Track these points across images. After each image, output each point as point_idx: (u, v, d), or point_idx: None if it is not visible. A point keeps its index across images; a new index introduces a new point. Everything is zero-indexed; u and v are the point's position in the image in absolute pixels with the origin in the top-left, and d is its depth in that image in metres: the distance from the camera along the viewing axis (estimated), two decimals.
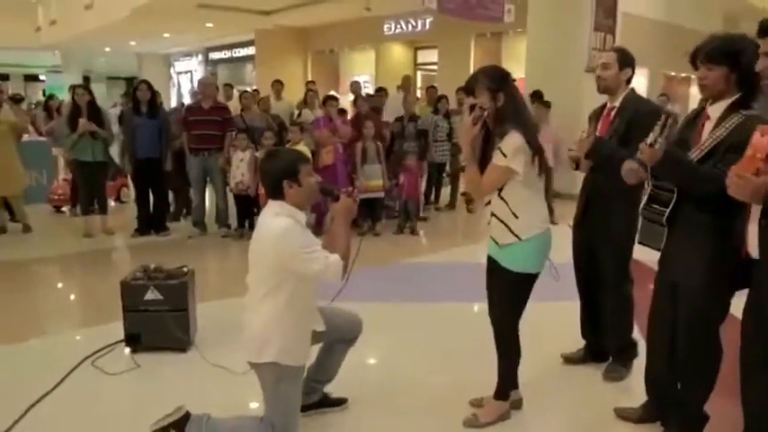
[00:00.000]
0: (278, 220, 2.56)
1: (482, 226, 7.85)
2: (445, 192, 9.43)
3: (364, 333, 4.17)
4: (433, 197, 9.39)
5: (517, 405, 3.07)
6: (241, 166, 6.97)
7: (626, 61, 3.26)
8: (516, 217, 2.74)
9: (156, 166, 7.19)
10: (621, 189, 3.19)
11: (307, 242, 2.57)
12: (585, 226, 3.43)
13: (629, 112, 3.21)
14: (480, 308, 4.81)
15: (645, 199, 2.75)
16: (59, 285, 5.73)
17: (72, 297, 5.32)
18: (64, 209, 8.60)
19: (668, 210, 2.61)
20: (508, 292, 2.87)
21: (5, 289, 5.40)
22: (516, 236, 2.75)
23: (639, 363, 3.46)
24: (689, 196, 2.54)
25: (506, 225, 2.75)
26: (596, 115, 3.46)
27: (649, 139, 2.47)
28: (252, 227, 7.36)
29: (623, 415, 3.02)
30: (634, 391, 3.27)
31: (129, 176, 8.23)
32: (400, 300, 5.01)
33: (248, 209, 7.35)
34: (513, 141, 2.66)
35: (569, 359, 3.66)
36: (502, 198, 2.76)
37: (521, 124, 2.69)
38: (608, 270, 3.36)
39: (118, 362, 3.66)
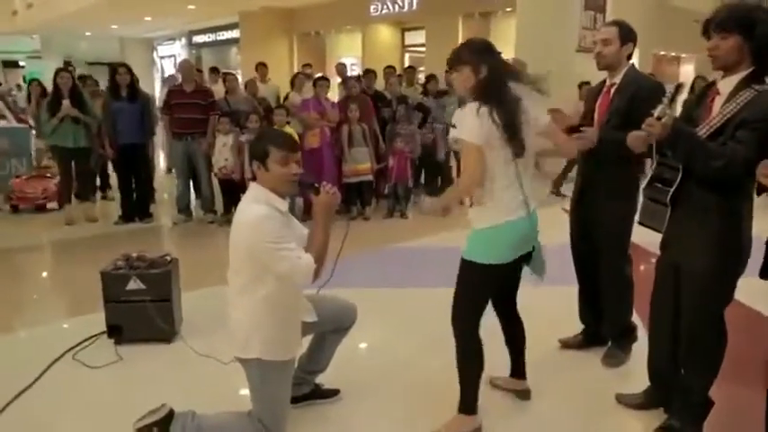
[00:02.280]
0: (254, 208, 2.40)
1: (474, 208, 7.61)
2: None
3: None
4: (423, 179, 9.26)
5: (525, 396, 2.97)
6: (224, 150, 6.81)
7: (627, 35, 3.12)
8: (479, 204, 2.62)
9: (139, 151, 7.01)
10: (620, 169, 3.10)
11: (279, 236, 2.35)
12: (583, 208, 3.32)
13: (630, 88, 3.07)
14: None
15: (648, 177, 2.64)
16: (40, 275, 5.56)
17: (53, 287, 5.16)
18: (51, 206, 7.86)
19: (672, 189, 2.50)
20: (463, 281, 2.69)
21: None
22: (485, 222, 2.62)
23: (638, 347, 3.40)
24: (695, 175, 2.43)
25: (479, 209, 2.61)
26: (594, 94, 3.34)
27: (657, 112, 2.35)
28: None
29: (624, 401, 2.94)
30: (634, 376, 3.19)
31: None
32: (391, 285, 4.91)
33: (234, 194, 7.19)
34: (462, 112, 2.50)
35: (567, 344, 3.57)
36: None
37: (493, 98, 2.45)
38: (607, 252, 3.26)
39: (100, 354, 3.52)
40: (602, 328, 3.48)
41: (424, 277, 5.14)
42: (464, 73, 2.54)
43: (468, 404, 2.67)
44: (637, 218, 2.81)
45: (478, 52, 2.53)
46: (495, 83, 2.47)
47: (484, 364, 2.66)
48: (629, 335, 3.44)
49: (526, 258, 2.67)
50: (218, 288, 4.81)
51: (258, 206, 2.40)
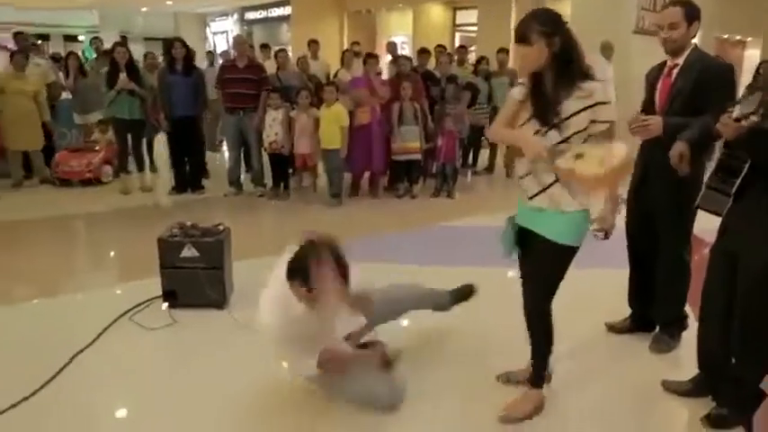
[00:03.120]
0: (268, 315, 2.54)
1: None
2: (483, 155, 9.24)
3: None
4: (471, 160, 9.21)
5: (548, 379, 2.94)
6: (274, 125, 6.89)
7: (693, 14, 2.98)
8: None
9: (192, 124, 7.16)
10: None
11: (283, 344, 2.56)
12: (644, 193, 3.20)
13: (695, 70, 2.95)
14: (516, 274, 4.75)
15: (714, 167, 2.57)
16: (97, 242, 5.77)
17: (110, 253, 5.35)
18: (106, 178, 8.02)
19: (738, 181, 2.42)
20: (553, 266, 2.58)
21: (44, 244, 5.47)
22: (580, 203, 2.46)
23: (687, 335, 3.34)
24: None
25: (570, 192, 2.44)
26: (653, 76, 3.23)
27: (735, 113, 2.27)
28: (287, 187, 7.33)
29: (671, 388, 2.90)
30: (682, 363, 3.14)
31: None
32: (436, 263, 4.92)
33: (283, 168, 7.31)
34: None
35: (614, 328, 3.53)
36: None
37: (576, 72, 2.37)
38: (668, 239, 3.17)
39: (155, 317, 3.67)
40: (652, 313, 3.43)
41: (470, 256, 5.13)
42: (537, 47, 2.36)
43: (541, 379, 2.71)
44: (696, 202, 2.75)
45: (552, 23, 2.38)
46: (572, 55, 2.38)
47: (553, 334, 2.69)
48: (680, 322, 3.37)
49: None
50: (267, 259, 4.95)
51: (272, 309, 2.53)
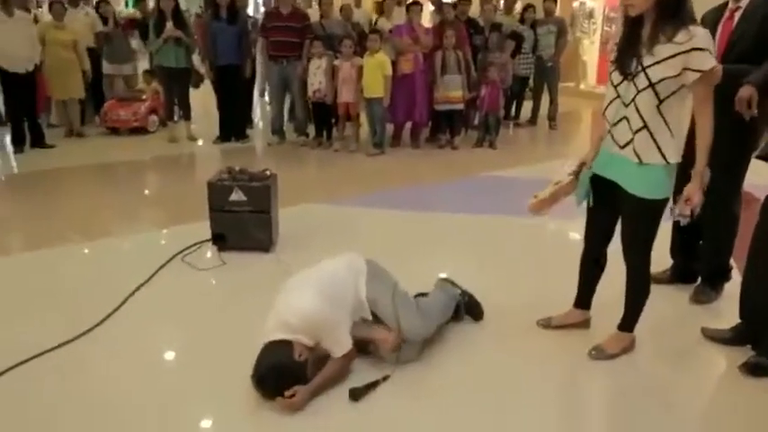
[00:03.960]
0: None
1: (565, 143, 7.56)
2: (526, 107, 9.09)
3: (433, 242, 4.19)
4: (513, 112, 9.08)
5: (585, 324, 3.00)
6: (318, 73, 6.90)
7: None
8: (672, 136, 2.40)
9: (237, 72, 7.22)
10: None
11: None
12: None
13: (759, 14, 2.83)
14: (554, 224, 4.76)
15: None
16: (147, 187, 5.97)
17: (160, 198, 5.54)
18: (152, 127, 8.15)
19: None
20: (643, 225, 2.55)
21: (96, 189, 5.70)
22: (664, 157, 2.40)
23: (729, 287, 3.34)
24: None
25: (656, 143, 2.39)
26: (711, 19, 3.10)
27: None
28: (329, 136, 7.38)
29: (711, 335, 2.91)
30: (723, 315, 3.14)
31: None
32: (476, 211, 4.96)
33: (326, 117, 7.35)
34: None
35: (655, 279, 3.51)
36: (660, 110, 2.36)
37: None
38: (718, 188, 3.11)
39: (205, 259, 3.82)
40: (695, 264, 3.42)
41: (510, 206, 5.14)
42: None
43: (634, 324, 2.76)
44: (755, 153, 2.70)
45: None
46: None
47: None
48: (723, 274, 3.35)
49: None
50: (310, 206, 5.08)
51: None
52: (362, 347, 2.61)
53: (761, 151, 2.63)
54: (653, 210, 2.47)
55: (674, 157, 2.41)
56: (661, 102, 2.35)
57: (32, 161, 6.48)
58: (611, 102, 2.50)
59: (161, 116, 8.13)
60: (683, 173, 2.48)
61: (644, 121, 2.38)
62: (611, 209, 2.64)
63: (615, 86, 2.46)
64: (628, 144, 2.44)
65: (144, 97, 8.11)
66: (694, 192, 2.39)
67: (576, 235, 4.37)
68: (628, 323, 2.75)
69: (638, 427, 2.28)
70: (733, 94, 2.73)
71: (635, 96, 2.38)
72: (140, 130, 7.90)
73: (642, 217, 2.51)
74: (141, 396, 2.43)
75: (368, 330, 2.59)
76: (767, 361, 2.63)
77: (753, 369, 2.62)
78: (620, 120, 2.45)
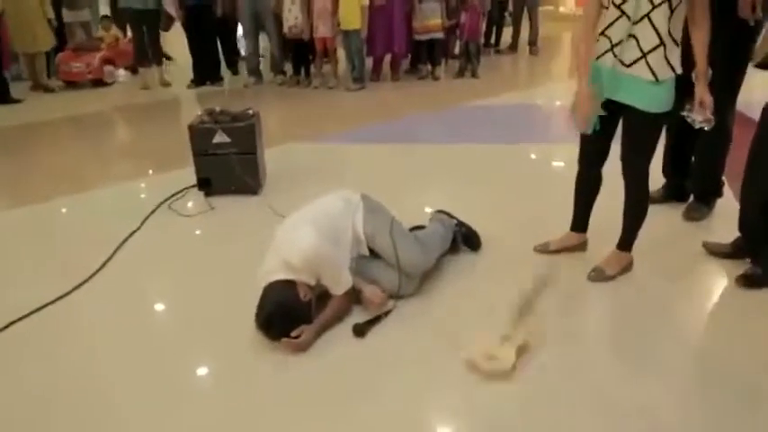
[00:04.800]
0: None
1: (547, 68, 7.45)
2: (506, 33, 8.91)
3: (423, 174, 4.14)
4: (493, 39, 8.90)
5: (582, 247, 3.00)
6: (293, 8, 6.65)
7: None
8: (678, 45, 2.35)
9: (207, 12, 6.93)
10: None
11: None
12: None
13: None
14: (543, 149, 4.73)
15: None
16: (127, 135, 5.80)
17: (141, 146, 5.38)
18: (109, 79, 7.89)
19: None
20: (651, 136, 2.52)
21: (75, 141, 5.53)
22: (672, 68, 2.36)
23: (721, 203, 3.35)
24: None
25: (667, 58, 2.34)
26: None
27: None
28: (308, 74, 7.19)
29: (712, 249, 2.92)
30: (715, 231, 3.16)
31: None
32: (463, 141, 4.90)
33: (303, 54, 7.13)
34: None
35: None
36: (669, 22, 2.30)
37: None
38: (714, 102, 3.06)
39: (193, 205, 3.74)
40: (688, 182, 3.41)
41: (494, 134, 5.08)
42: None
43: (632, 243, 2.75)
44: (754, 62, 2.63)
45: None
46: None
47: None
48: (715, 191, 3.36)
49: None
50: (294, 145, 4.98)
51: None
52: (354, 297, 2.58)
53: (761, 59, 2.56)
54: (662, 120, 2.45)
55: (680, 66, 2.37)
56: (672, 13, 2.28)
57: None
58: (613, 22, 2.40)
59: (129, 63, 7.85)
60: (683, 83, 2.43)
61: (660, 38, 2.31)
62: (608, 127, 2.60)
63: (618, 5, 2.35)
64: (636, 62, 2.37)
65: (102, 46, 7.77)
66: (705, 93, 2.37)
67: (565, 159, 4.35)
68: (627, 242, 2.75)
69: (640, 345, 2.30)
70: (728, 3, 2.65)
71: (649, 12, 2.29)
72: (98, 83, 7.59)
73: (651, 128, 2.49)
74: (141, 345, 2.40)
75: (357, 282, 2.55)
76: (762, 271, 2.65)
77: (749, 281, 2.65)
78: (627, 38, 2.37)
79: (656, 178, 3.47)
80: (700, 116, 2.39)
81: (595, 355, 2.25)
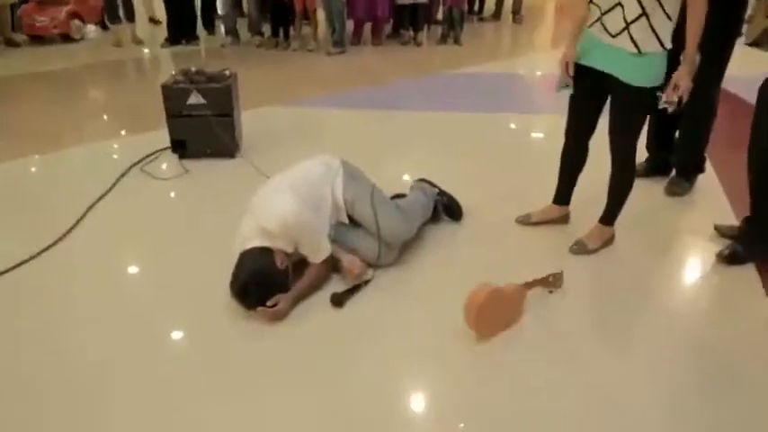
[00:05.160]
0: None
1: (531, 37, 7.36)
2: (489, 1, 8.77)
3: (403, 141, 4.06)
4: (476, 6, 8.75)
5: (564, 220, 2.96)
6: None
7: None
8: (669, 19, 2.27)
9: None
10: None
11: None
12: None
13: None
14: (525, 120, 4.68)
15: None
16: (98, 94, 5.58)
17: (112, 105, 5.19)
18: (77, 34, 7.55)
19: None
20: (636, 112, 2.46)
21: (40, 100, 5.31)
22: (662, 44, 2.28)
23: (702, 179, 3.35)
24: None
25: (654, 30, 2.26)
26: None
27: None
28: (286, 36, 7.00)
29: (723, 232, 2.85)
30: (697, 206, 3.16)
31: None
32: (444, 109, 4.82)
33: (282, 15, 6.93)
34: None
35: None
36: None
37: None
38: (700, 77, 3.01)
39: (167, 168, 3.62)
40: (670, 157, 3.38)
41: (475, 103, 5.01)
42: None
43: (615, 217, 2.71)
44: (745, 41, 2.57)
45: None
46: None
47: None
48: (697, 166, 3.34)
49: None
50: (271, 108, 4.85)
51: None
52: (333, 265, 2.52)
53: (750, 38, 2.50)
54: (649, 96, 2.37)
55: (669, 41, 2.29)
56: None
57: None
58: None
59: (99, 19, 7.55)
60: (672, 60, 2.37)
61: (642, 8, 2.23)
62: (597, 100, 2.54)
63: None
64: (620, 33, 2.30)
65: (69, 0, 7.43)
66: (682, 77, 2.29)
67: (547, 129, 4.31)
68: (610, 216, 2.72)
69: (621, 318, 2.29)
70: None
71: None
72: (67, 38, 7.29)
73: (638, 105, 2.42)
74: (111, 312, 2.31)
75: (336, 250, 2.48)
76: (743, 250, 2.65)
77: (729, 258, 2.64)
78: (614, 7, 2.30)
79: (641, 152, 3.45)
80: (666, 96, 2.31)
81: (576, 327, 2.23)
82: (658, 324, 2.25)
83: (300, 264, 2.40)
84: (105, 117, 4.82)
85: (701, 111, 3.10)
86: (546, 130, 4.32)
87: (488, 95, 5.24)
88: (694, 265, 2.69)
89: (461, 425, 1.77)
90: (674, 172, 3.41)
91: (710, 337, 2.18)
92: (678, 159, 3.35)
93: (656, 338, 2.17)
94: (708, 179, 3.38)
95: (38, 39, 7.26)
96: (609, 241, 2.77)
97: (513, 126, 4.51)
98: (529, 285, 2.30)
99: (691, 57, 2.28)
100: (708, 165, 3.38)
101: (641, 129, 2.52)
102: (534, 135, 4.39)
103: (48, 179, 3.57)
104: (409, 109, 4.89)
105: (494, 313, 2.14)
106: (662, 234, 2.93)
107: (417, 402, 1.88)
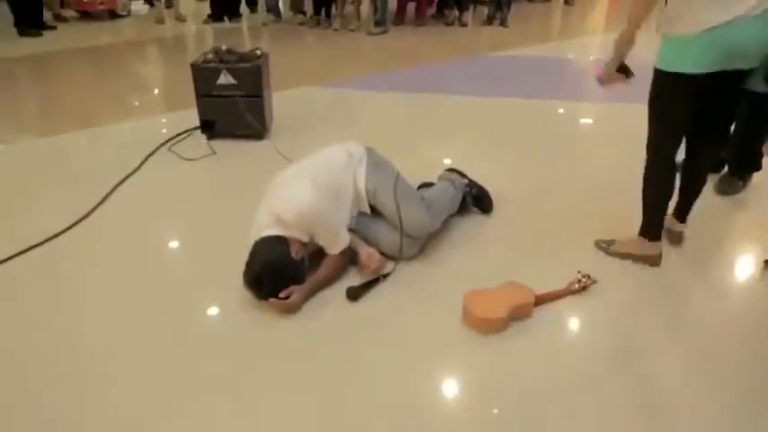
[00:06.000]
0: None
1: (582, 19, 7.05)
2: None
3: (440, 126, 3.90)
4: None
5: (678, 239, 2.61)
6: None
7: None
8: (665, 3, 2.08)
9: None
10: None
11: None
12: None
13: None
14: (566, 107, 4.45)
15: None
16: (133, 72, 5.60)
17: (148, 83, 5.19)
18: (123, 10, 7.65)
19: None
20: (652, 94, 2.22)
21: (80, 75, 5.35)
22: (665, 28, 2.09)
23: (757, 177, 3.11)
24: None
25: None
26: None
27: None
28: (328, 14, 6.89)
29: None
30: (750, 207, 2.92)
31: None
32: (485, 94, 4.63)
33: None
34: None
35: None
36: None
37: None
38: (761, 67, 2.77)
39: (195, 148, 3.57)
40: (725, 151, 3.14)
41: (520, 88, 4.80)
42: None
43: (645, 227, 2.43)
44: None
45: None
46: None
47: (671, 192, 2.38)
48: (754, 163, 3.09)
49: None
50: (307, 89, 4.76)
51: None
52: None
53: None
54: (660, 76, 2.17)
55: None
56: None
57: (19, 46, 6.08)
58: None
59: None
60: None
61: None
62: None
63: None
64: None
65: None
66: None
67: (593, 117, 4.08)
68: (643, 224, 2.45)
69: (659, 322, 2.12)
70: None
71: None
72: (114, 15, 7.36)
73: (653, 82, 2.23)
74: (123, 293, 2.27)
75: (355, 242, 2.38)
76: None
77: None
78: None
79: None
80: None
81: (607, 329, 2.08)
82: (699, 333, 2.08)
83: (317, 254, 2.31)
84: (140, 94, 4.82)
85: (762, 106, 2.85)
86: (591, 118, 4.10)
87: (533, 81, 5.02)
88: (740, 270, 2.48)
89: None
90: (725, 168, 3.17)
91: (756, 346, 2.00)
92: (731, 155, 3.11)
93: (697, 347, 2.00)
94: (764, 177, 3.13)
95: (86, 15, 7.34)
96: (646, 258, 2.46)
97: (557, 113, 4.30)
98: (549, 296, 2.17)
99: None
100: (766, 160, 3.12)
101: (656, 119, 2.27)
102: (578, 124, 4.17)
103: (81, 155, 3.57)
104: (449, 93, 4.73)
105: (488, 304, 2.06)
106: (708, 236, 2.71)
107: (431, 407, 1.77)
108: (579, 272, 2.28)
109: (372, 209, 2.45)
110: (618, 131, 3.79)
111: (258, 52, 3.62)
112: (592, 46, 6.19)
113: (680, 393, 1.80)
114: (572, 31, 7.26)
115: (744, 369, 1.91)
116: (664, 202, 2.40)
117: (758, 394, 1.81)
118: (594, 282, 2.26)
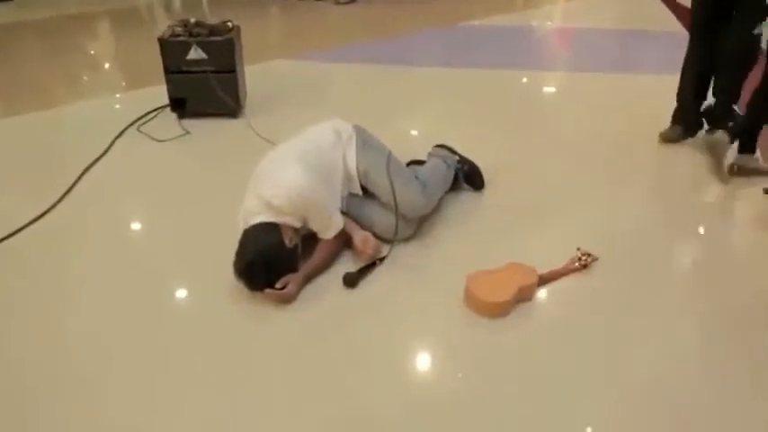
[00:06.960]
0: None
1: None
2: None
3: (415, 98, 3.81)
4: None
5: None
6: None
7: None
8: None
9: None
10: None
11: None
12: None
13: None
14: (530, 75, 4.38)
15: None
16: (94, 46, 5.31)
17: (110, 59, 4.93)
18: None
19: None
20: None
21: (37, 50, 5.04)
22: None
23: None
24: None
25: None
26: None
27: None
28: None
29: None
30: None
31: None
32: (459, 65, 4.55)
33: None
34: None
35: (666, 137, 3.24)
36: None
37: None
38: (742, 16, 2.74)
39: (166, 128, 3.40)
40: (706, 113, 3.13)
41: (491, 58, 4.72)
42: None
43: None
44: None
45: None
46: None
47: None
48: (727, 118, 3.06)
49: None
50: (277, 62, 4.58)
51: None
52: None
53: None
54: None
55: None
56: None
57: None
58: None
59: None
60: None
61: None
62: None
63: None
64: None
65: None
66: None
67: (553, 87, 4.03)
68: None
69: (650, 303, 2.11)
70: None
71: None
72: None
73: None
74: (103, 284, 2.14)
75: (348, 225, 2.28)
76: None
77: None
78: None
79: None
80: None
81: (607, 310, 2.05)
82: (705, 309, 2.07)
83: (310, 237, 2.22)
84: (105, 70, 4.57)
85: (740, 54, 2.84)
86: (556, 88, 4.04)
87: (506, 51, 4.94)
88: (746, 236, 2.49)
89: (477, 412, 1.61)
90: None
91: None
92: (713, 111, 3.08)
93: (703, 323, 1.99)
94: None
95: None
96: None
97: (524, 82, 4.22)
98: (551, 275, 2.13)
99: None
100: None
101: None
102: (545, 93, 4.11)
103: (46, 136, 3.36)
104: (423, 64, 4.63)
105: (492, 286, 2.02)
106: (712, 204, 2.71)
107: (434, 390, 1.71)
108: (579, 249, 2.24)
109: (364, 189, 2.36)
110: (582, 99, 3.77)
111: (230, 25, 3.45)
112: (555, 14, 6.13)
113: (689, 372, 1.79)
114: (537, 0, 7.20)
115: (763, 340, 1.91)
116: None
117: None
118: (596, 259, 2.23)
